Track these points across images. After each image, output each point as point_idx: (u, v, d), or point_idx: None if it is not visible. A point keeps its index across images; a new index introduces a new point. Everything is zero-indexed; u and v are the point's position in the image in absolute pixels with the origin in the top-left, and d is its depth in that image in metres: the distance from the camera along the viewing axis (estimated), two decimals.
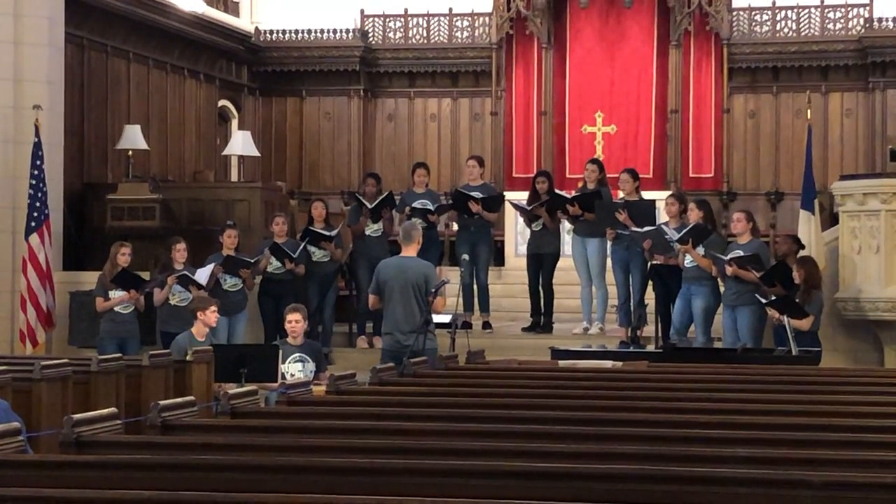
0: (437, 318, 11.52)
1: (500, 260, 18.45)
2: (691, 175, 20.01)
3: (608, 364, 10.23)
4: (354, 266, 15.11)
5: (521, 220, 16.59)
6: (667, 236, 13.48)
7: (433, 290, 11.14)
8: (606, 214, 14.27)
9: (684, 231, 13.32)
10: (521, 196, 15.95)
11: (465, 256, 13.90)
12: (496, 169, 19.99)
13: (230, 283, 13.87)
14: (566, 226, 15.75)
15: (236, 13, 20.77)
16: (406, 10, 20.86)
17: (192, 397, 6.93)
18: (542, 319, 15.00)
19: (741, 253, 13.03)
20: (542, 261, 14.97)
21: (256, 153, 19.17)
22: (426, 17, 20.87)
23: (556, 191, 15.46)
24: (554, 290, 15.11)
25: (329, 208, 15.29)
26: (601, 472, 4.92)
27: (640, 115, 20.05)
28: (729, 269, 12.91)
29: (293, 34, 20.87)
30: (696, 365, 10.39)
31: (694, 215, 13.49)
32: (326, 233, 14.58)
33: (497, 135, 20.38)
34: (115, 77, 17.77)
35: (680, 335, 13.38)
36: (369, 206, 14.77)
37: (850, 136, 19.95)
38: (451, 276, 12.14)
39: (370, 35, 20.90)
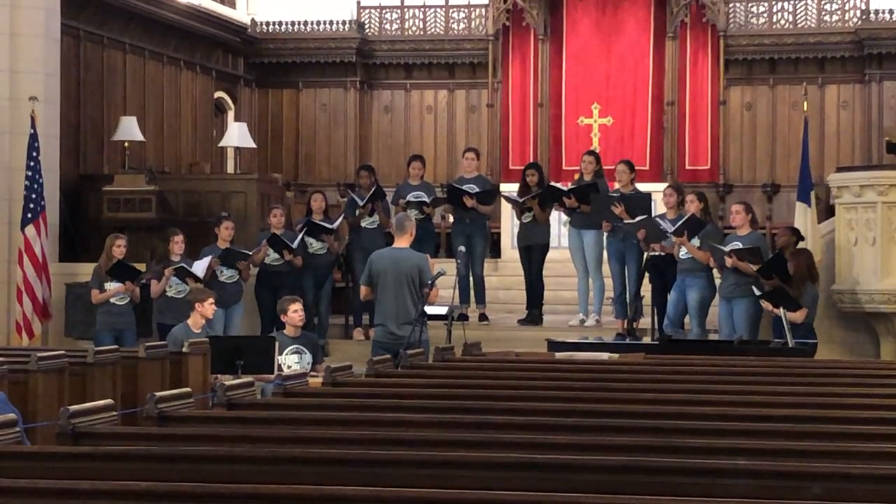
0: (430, 310, 11.49)
1: (496, 252, 18.43)
2: (687, 167, 20.02)
3: (604, 356, 10.20)
4: (350, 258, 15.10)
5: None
6: (662, 227, 13.47)
7: (430, 282, 11.12)
8: (602, 206, 14.26)
9: (679, 223, 13.31)
10: (515, 188, 15.92)
11: (462, 248, 13.87)
12: (492, 161, 20.00)
13: (227, 274, 13.86)
14: (562, 217, 15.74)
15: (232, 5, 20.76)
16: (402, 2, 20.85)
17: (188, 389, 6.92)
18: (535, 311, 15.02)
19: (740, 245, 13.01)
20: (531, 252, 14.98)
21: (253, 145, 19.16)
22: (422, 9, 20.86)
23: (552, 183, 15.43)
24: (545, 281, 15.12)
25: (327, 200, 15.29)
26: (597, 464, 4.93)
27: (637, 106, 20.06)
28: (728, 261, 12.87)
29: (289, 26, 20.87)
30: (692, 357, 10.39)
31: (693, 206, 13.47)
32: (328, 225, 14.57)
33: (493, 126, 20.39)
34: (112, 68, 17.75)
35: (675, 326, 13.39)
36: (360, 203, 14.77)
37: (846, 127, 19.95)
38: (447, 269, 12.09)
39: (366, 27, 20.89)
